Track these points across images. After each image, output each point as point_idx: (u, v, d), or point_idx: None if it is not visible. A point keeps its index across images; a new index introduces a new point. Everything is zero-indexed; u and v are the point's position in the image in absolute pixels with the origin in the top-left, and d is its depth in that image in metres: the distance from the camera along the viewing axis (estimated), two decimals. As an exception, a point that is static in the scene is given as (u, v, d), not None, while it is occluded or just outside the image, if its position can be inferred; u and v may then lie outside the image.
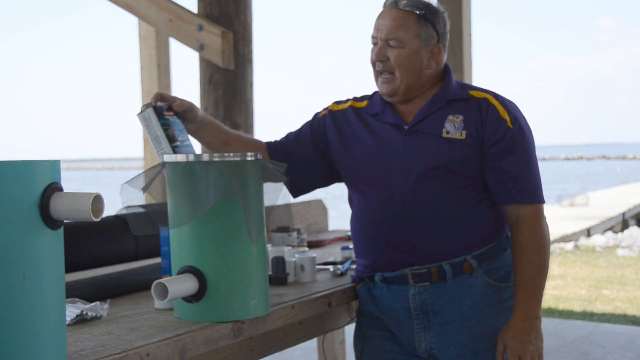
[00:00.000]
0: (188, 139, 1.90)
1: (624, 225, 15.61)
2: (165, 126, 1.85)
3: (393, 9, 1.94)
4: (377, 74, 1.99)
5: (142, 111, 1.87)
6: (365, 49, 2.07)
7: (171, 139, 1.84)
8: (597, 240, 11.92)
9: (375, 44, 1.97)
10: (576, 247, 11.24)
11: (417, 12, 1.93)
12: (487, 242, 1.95)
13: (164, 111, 1.88)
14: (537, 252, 1.88)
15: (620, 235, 12.24)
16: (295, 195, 2.12)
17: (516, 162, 1.90)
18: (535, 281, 1.88)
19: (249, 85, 3.51)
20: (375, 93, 2.09)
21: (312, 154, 2.08)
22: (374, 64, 1.98)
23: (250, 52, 3.50)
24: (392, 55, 1.93)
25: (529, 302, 1.87)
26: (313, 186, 2.14)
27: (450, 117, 1.93)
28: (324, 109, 2.13)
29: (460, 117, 1.92)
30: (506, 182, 1.90)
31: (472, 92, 1.97)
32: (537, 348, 1.86)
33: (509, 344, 1.86)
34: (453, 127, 1.92)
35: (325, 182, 2.14)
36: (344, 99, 2.14)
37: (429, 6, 1.95)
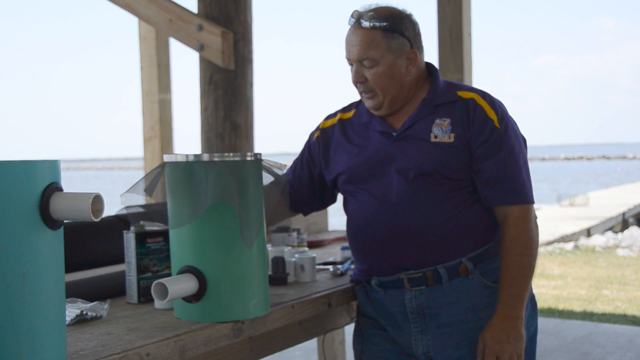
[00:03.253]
0: (167, 268, 1.90)
1: (624, 225, 15.62)
2: (142, 255, 1.86)
3: (358, 29, 1.92)
4: (361, 92, 2.00)
5: (127, 231, 1.87)
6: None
7: (142, 270, 1.86)
8: (597, 240, 11.93)
9: (351, 65, 1.97)
10: (576, 247, 11.24)
11: (381, 26, 1.89)
12: (482, 244, 1.94)
13: (148, 238, 1.87)
14: (521, 253, 1.87)
15: (620, 235, 12.25)
16: (307, 213, 2.22)
17: (503, 163, 1.88)
18: (518, 282, 1.86)
19: (249, 85, 3.51)
20: (361, 101, 2.09)
21: (317, 178, 2.12)
22: (355, 85, 1.99)
23: (250, 52, 3.50)
24: (369, 75, 1.93)
25: (511, 302, 1.86)
26: (325, 205, 2.20)
27: (438, 120, 1.92)
28: (317, 130, 2.14)
29: (448, 120, 1.91)
30: (492, 184, 1.89)
31: (459, 93, 1.95)
32: (515, 349, 1.85)
33: (488, 343, 1.85)
34: (441, 131, 1.91)
35: (333, 200, 2.20)
36: (332, 111, 2.15)
37: (391, 16, 1.91)
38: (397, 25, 1.91)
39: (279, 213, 2.08)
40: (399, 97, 1.96)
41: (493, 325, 1.86)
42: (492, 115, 1.90)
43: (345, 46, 1.96)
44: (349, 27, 1.96)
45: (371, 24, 1.89)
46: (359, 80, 1.95)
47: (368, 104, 1.99)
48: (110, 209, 1.98)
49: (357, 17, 1.92)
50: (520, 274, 1.87)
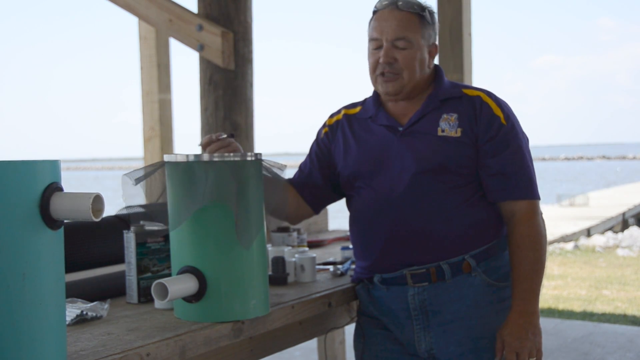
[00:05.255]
0: (167, 268, 1.90)
1: (624, 225, 15.62)
2: (142, 255, 1.86)
3: (395, 11, 1.94)
4: (378, 75, 1.97)
5: (127, 231, 1.88)
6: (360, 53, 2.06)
7: (142, 270, 1.87)
8: (597, 240, 11.93)
9: (378, 47, 1.95)
10: (576, 247, 11.25)
11: (419, 13, 1.94)
12: (485, 241, 1.94)
13: (148, 238, 1.87)
14: (532, 248, 1.89)
15: (620, 235, 12.25)
16: (319, 210, 2.18)
17: (510, 159, 1.90)
18: (531, 277, 1.88)
19: (249, 85, 3.50)
20: (366, 99, 2.10)
21: (331, 171, 2.10)
22: (375, 67, 1.96)
23: (250, 52, 3.50)
24: (401, 56, 1.93)
25: (526, 298, 1.87)
26: (337, 198, 2.17)
27: (445, 115, 1.94)
28: (324, 126, 2.15)
29: (455, 115, 1.93)
30: (500, 179, 1.90)
31: (465, 91, 1.99)
32: (534, 344, 1.86)
33: (507, 340, 1.86)
34: (448, 125, 1.92)
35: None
36: (335, 110, 2.16)
37: (425, 7, 1.97)
38: (431, 17, 1.98)
39: (282, 209, 2.08)
40: (417, 86, 1.98)
41: (510, 322, 1.87)
42: (499, 112, 1.93)
43: (374, 28, 1.95)
44: (379, 10, 1.96)
45: (409, 8, 1.94)
46: (389, 61, 1.93)
47: (387, 87, 1.96)
48: (110, 209, 1.98)
49: (393, 1, 1.94)
50: (533, 269, 1.88)
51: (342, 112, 2.12)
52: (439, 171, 1.90)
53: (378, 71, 1.96)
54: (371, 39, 1.97)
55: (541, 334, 1.89)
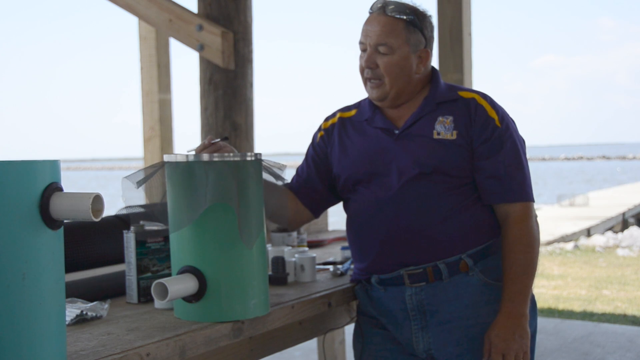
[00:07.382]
0: (167, 268, 1.90)
1: (624, 225, 15.62)
2: (142, 255, 1.87)
3: (381, 15, 1.94)
4: (366, 80, 1.99)
5: (127, 231, 1.88)
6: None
7: (142, 270, 1.87)
8: (597, 240, 11.93)
9: (364, 50, 1.98)
10: (576, 247, 11.25)
11: (406, 18, 1.93)
12: (482, 241, 1.94)
13: (148, 238, 1.87)
14: (524, 251, 1.89)
15: (620, 235, 12.25)
16: (319, 214, 2.18)
17: (504, 161, 1.91)
18: (521, 279, 1.88)
19: (249, 85, 3.51)
20: (362, 100, 2.10)
21: (327, 174, 2.10)
22: (362, 71, 1.99)
23: (250, 52, 3.50)
24: (382, 62, 1.94)
25: (515, 300, 1.87)
26: (336, 201, 2.17)
27: (440, 118, 1.94)
28: (319, 130, 2.15)
29: (450, 118, 1.94)
30: (494, 181, 1.91)
31: (460, 93, 1.99)
32: (521, 346, 1.86)
33: (494, 341, 1.86)
34: (443, 128, 1.93)
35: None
36: (330, 113, 2.16)
37: (416, 11, 1.95)
38: (420, 22, 1.96)
39: (281, 214, 2.08)
40: (404, 92, 1.98)
41: (498, 324, 1.87)
42: (493, 114, 1.93)
43: (362, 31, 1.98)
44: (369, 14, 1.98)
45: (396, 14, 1.93)
46: (370, 66, 1.95)
47: (372, 93, 1.99)
48: (110, 209, 1.98)
49: (383, 5, 1.95)
50: (524, 272, 1.88)
51: (338, 115, 2.12)
52: (435, 173, 1.90)
53: (364, 75, 1.99)
54: (359, 42, 1.99)
55: (529, 337, 1.88)
